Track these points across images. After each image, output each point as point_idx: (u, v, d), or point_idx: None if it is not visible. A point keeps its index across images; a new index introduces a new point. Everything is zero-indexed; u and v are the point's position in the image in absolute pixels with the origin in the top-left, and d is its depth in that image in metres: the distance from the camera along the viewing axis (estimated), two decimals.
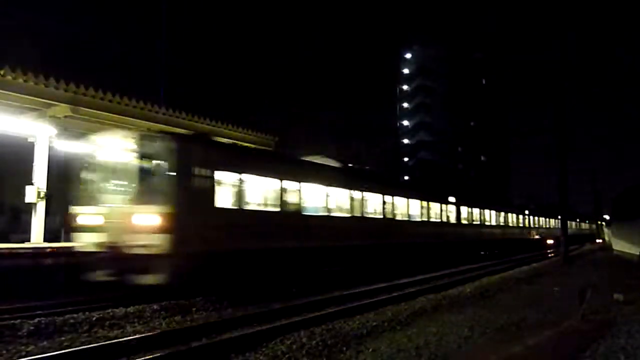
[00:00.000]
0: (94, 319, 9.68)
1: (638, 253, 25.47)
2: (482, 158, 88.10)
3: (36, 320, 9.16)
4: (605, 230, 74.35)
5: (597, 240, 71.26)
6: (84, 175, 12.47)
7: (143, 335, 8.74)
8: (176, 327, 9.60)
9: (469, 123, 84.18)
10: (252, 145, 22.20)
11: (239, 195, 13.25)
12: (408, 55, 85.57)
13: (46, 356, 7.22)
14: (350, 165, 21.26)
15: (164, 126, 17.34)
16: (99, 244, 11.32)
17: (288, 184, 14.97)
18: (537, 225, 49.52)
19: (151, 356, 7.42)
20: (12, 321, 8.97)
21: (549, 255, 38.02)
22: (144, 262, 10.83)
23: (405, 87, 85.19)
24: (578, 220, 76.20)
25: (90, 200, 12.25)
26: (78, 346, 7.99)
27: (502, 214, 38.10)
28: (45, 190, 16.00)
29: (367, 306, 12.06)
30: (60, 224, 18.41)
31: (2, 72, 14.27)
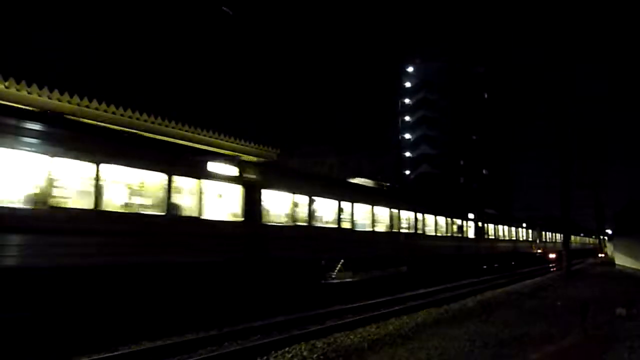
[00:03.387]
0: None
1: None
2: (484, 171, 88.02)
3: None
4: (608, 244, 74.04)
5: (600, 255, 70.97)
6: None
7: None
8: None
9: (471, 136, 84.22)
10: (255, 159, 22.23)
11: None
12: (410, 69, 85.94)
13: None
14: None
15: (166, 138, 17.36)
16: None
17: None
18: (540, 240, 49.05)
19: None
20: None
21: (552, 269, 37.83)
22: None
23: (407, 101, 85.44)
24: (581, 234, 75.90)
25: None
26: None
27: (513, 229, 38.31)
28: None
29: (369, 319, 12.03)
30: None
31: (6, 84, 14.32)
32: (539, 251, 46.55)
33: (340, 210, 16.53)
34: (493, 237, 32.78)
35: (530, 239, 43.64)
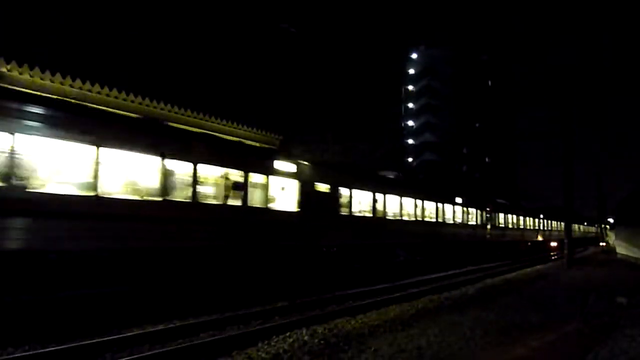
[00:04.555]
0: None
1: None
2: (487, 160, 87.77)
3: None
4: (609, 233, 74.07)
5: (601, 244, 71.00)
6: None
7: None
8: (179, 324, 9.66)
9: (474, 124, 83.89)
10: (257, 144, 22.22)
11: None
12: (414, 56, 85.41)
13: None
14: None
15: (173, 124, 17.35)
16: None
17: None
18: (545, 228, 48.35)
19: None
20: None
21: (553, 257, 37.83)
22: None
23: (410, 88, 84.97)
24: (583, 223, 75.78)
25: None
26: None
27: (431, 205, 25.22)
28: None
29: (370, 306, 12.09)
30: None
31: (9, 68, 14.30)
32: (540, 239, 45.18)
33: None
34: (371, 215, 19.11)
35: (473, 223, 30.05)
